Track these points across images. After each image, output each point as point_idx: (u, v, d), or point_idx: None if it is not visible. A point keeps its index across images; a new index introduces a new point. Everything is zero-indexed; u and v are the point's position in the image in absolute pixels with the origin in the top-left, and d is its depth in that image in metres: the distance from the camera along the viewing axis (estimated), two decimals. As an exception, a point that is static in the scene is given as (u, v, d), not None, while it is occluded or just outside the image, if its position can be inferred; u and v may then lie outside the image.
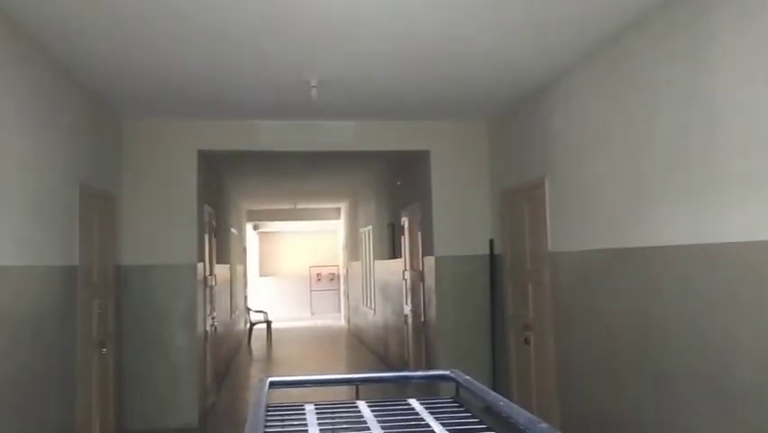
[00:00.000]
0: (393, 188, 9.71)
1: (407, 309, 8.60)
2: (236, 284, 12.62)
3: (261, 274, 21.78)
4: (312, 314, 20.76)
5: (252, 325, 14.19)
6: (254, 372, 10.76)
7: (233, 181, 11.05)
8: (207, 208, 7.77)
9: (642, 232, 4.17)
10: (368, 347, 12.39)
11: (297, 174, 10.68)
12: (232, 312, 11.48)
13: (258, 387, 2.64)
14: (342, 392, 6.27)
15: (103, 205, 5.82)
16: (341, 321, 18.36)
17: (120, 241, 6.37)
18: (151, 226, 6.57)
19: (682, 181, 3.77)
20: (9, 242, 3.83)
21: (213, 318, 7.97)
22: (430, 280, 7.27)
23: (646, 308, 4.12)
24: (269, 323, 14.14)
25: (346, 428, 2.28)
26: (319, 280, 21.48)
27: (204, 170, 7.26)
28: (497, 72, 5.32)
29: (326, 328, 16.92)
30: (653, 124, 4.04)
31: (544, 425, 1.88)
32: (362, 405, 2.55)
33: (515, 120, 6.45)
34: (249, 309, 14.76)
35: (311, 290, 21.28)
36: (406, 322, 8.73)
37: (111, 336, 5.88)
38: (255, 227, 21.04)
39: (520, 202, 6.28)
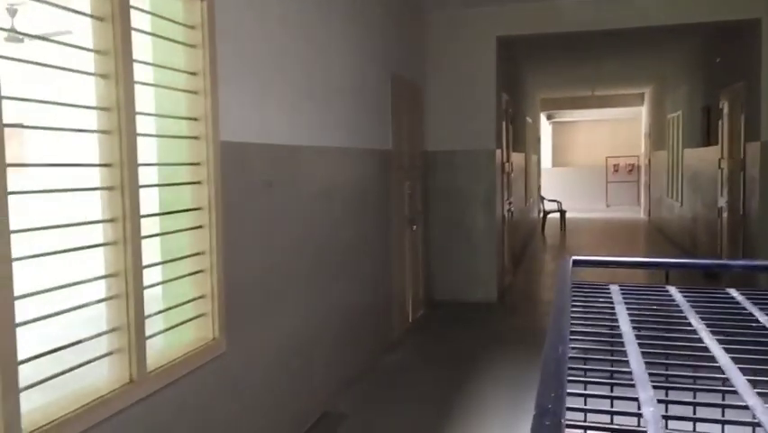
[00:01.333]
0: (710, 67, 8.60)
1: (722, 202, 7.79)
2: (530, 173, 12.70)
3: (554, 165, 21.49)
4: (607, 206, 20.03)
5: (546, 214, 14.26)
6: (548, 258, 10.92)
7: (529, 69, 10.86)
8: (504, 96, 7.82)
9: None
10: (671, 241, 11.64)
11: (598, 57, 10.06)
12: (526, 200, 11.66)
13: (563, 264, 2.70)
14: (639, 277, 6.06)
15: (410, 93, 6.24)
16: (639, 214, 17.42)
17: (425, 127, 6.82)
18: (453, 114, 6.88)
19: None
20: (340, 126, 4.38)
21: (509, 204, 8.21)
22: (753, 169, 6.43)
23: None
24: (562, 212, 14.07)
25: (657, 310, 2.22)
26: (616, 171, 20.47)
27: (501, 57, 7.27)
28: None
29: (623, 220, 16.24)
30: None
31: None
32: (673, 290, 2.44)
33: None
34: (542, 198, 14.82)
35: (607, 182, 20.43)
36: (719, 215, 7.95)
37: (419, 215, 6.45)
38: (549, 117, 20.61)
39: None
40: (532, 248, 11.71)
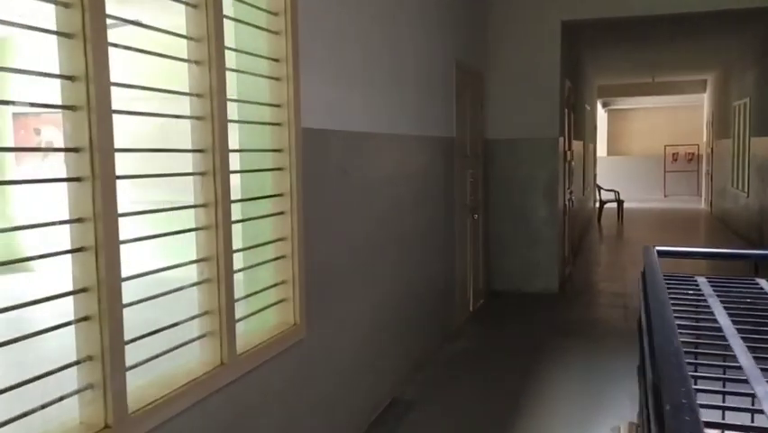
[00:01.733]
0: (784, 52, 8.23)
1: (795, 193, 7.49)
2: (588, 162, 12.45)
3: (609, 153, 21.00)
4: (665, 196, 19.48)
5: (603, 203, 13.96)
6: (605, 249, 10.71)
7: (589, 54, 10.61)
8: (567, 83, 7.66)
9: None
10: (736, 233, 11.25)
11: (661, 43, 9.74)
12: (584, 189, 11.45)
13: (647, 254, 2.62)
14: (703, 268, 5.86)
15: (473, 80, 6.16)
16: (700, 204, 16.90)
17: (487, 115, 6.73)
18: (516, 101, 6.77)
19: None
20: (409, 114, 4.36)
21: (570, 193, 8.06)
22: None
23: None
24: (620, 202, 13.75)
25: (750, 303, 2.14)
26: (675, 160, 19.87)
27: (565, 42, 7.11)
28: None
29: (683, 211, 15.77)
30: None
31: None
32: (764, 283, 2.35)
33: None
34: (599, 188, 14.50)
35: (665, 171, 19.85)
36: (791, 207, 7.64)
37: (480, 204, 6.39)
38: (605, 105, 20.13)
39: None
40: (589, 239, 11.49)
